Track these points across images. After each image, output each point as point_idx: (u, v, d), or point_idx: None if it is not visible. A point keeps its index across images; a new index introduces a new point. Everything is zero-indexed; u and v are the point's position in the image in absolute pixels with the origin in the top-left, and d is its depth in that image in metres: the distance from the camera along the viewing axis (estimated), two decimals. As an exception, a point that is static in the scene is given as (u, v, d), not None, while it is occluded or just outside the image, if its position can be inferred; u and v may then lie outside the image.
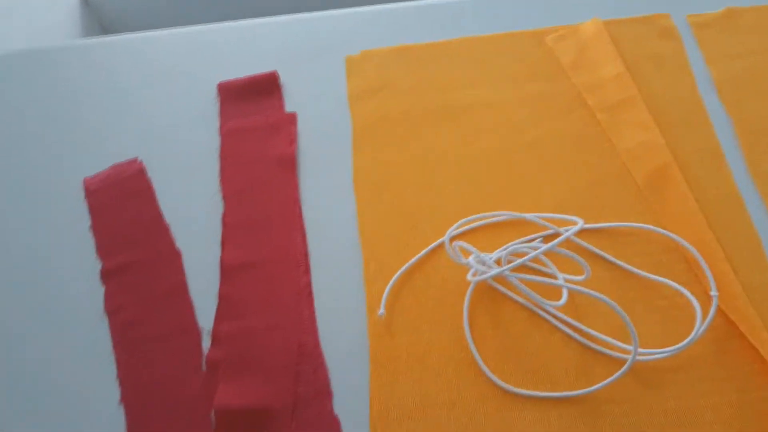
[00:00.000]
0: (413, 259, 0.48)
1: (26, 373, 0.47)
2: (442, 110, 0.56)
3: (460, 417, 0.43)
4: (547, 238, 0.49)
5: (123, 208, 0.53)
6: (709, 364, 0.44)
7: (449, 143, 0.54)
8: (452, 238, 0.48)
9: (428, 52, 0.60)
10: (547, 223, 0.48)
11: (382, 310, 0.46)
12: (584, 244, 0.48)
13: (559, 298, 0.45)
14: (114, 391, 0.46)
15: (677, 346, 0.42)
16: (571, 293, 0.46)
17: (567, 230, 0.47)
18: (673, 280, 0.46)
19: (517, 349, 0.45)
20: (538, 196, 0.51)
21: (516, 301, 0.47)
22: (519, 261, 0.43)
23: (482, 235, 0.50)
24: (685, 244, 0.47)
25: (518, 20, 0.61)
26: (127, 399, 0.45)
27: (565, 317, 0.45)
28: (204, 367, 0.46)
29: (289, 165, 0.54)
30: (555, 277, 0.46)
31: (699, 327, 0.43)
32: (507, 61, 0.59)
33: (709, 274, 0.46)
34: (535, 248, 0.43)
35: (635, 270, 0.47)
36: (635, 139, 0.53)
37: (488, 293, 0.47)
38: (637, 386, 0.43)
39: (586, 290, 0.41)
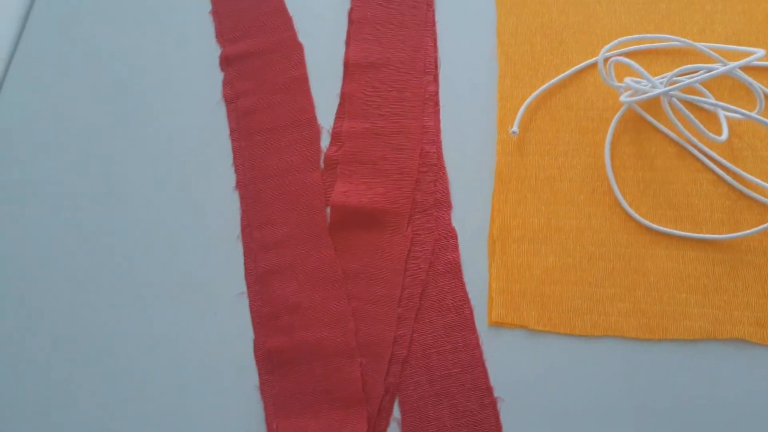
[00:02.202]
0: (557, 78, 0.44)
1: (142, 159, 0.47)
2: None
3: (587, 246, 0.40)
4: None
5: (244, -6, 0.50)
6: None
7: (609, -44, 0.48)
8: (606, 59, 0.43)
9: None
10: (717, 56, 0.42)
11: (515, 128, 0.43)
12: (756, 83, 0.42)
13: (717, 135, 0.40)
14: (230, 177, 0.45)
15: None
16: (732, 132, 0.41)
17: (740, 62, 0.41)
18: None
19: (659, 183, 0.41)
20: (708, 24, 0.45)
21: (665, 135, 0.42)
22: (686, 82, 0.38)
23: (641, 62, 0.44)
24: None
25: None
26: (242, 186, 0.45)
27: (718, 157, 0.41)
28: (322, 164, 0.44)
29: (423, -36, 0.49)
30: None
31: None
32: None
33: None
34: (708, 71, 0.38)
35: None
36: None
37: (635, 123, 0.43)
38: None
39: (759, 117, 0.36)
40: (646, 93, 0.39)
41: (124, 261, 0.43)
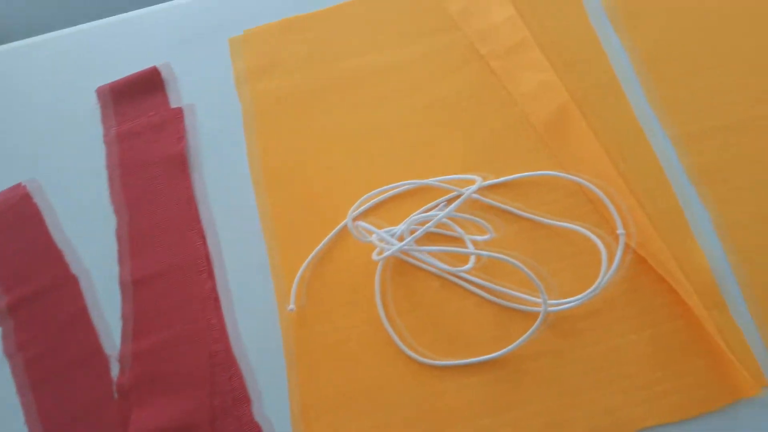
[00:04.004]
0: (318, 247, 0.46)
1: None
2: (335, 82, 0.54)
3: (385, 400, 0.42)
4: (452, 201, 0.47)
5: (11, 240, 0.50)
6: (623, 304, 0.43)
7: (346, 117, 0.52)
8: (356, 218, 0.46)
9: (315, 21, 0.57)
10: (447, 186, 0.46)
11: (291, 305, 0.45)
12: (488, 200, 0.47)
13: (468, 261, 0.44)
14: (26, 435, 0.44)
15: (584, 294, 0.41)
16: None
17: (467, 189, 0.45)
18: (581, 223, 0.45)
19: (433, 319, 0.44)
20: (442, 159, 0.49)
21: (427, 271, 0.45)
22: (418, 233, 0.41)
23: (388, 209, 0.48)
24: (586, 183, 0.46)
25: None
26: (42, 439, 0.43)
27: (476, 279, 0.44)
28: (115, 394, 0.44)
29: (179, 164, 0.51)
30: (461, 240, 0.45)
31: (605, 271, 0.42)
32: (396, 18, 0.56)
33: (613, 211, 0.45)
34: (434, 216, 0.41)
35: (540, 219, 0.46)
36: (531, 82, 0.51)
37: (399, 267, 0.46)
38: (556, 338, 0.43)
39: (488, 253, 0.40)
40: (388, 250, 0.42)
41: None
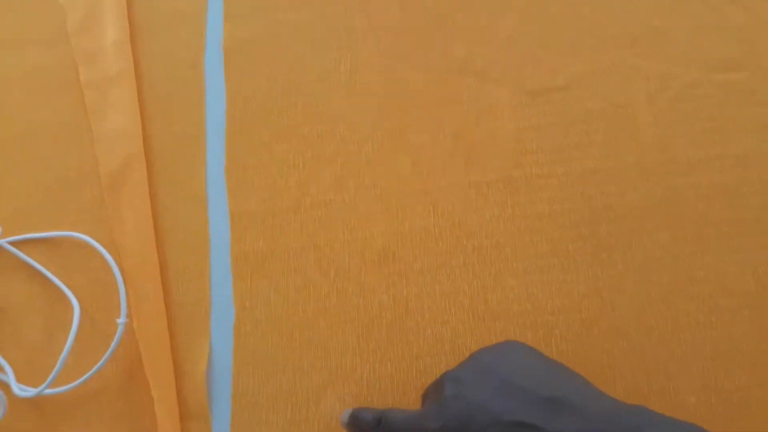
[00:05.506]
0: None
1: None
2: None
3: None
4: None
5: None
6: (112, 397, 0.41)
7: None
8: None
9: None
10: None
11: None
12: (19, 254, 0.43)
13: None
14: None
15: (38, 389, 0.39)
16: None
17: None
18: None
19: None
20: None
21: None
22: None
23: None
24: (108, 257, 0.42)
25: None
26: None
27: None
28: None
29: None
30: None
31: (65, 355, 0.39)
32: (14, 22, 0.50)
33: (123, 297, 0.41)
34: None
35: (64, 288, 0.42)
36: (113, 124, 0.46)
37: None
38: (41, 419, 0.40)
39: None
40: None
41: None
